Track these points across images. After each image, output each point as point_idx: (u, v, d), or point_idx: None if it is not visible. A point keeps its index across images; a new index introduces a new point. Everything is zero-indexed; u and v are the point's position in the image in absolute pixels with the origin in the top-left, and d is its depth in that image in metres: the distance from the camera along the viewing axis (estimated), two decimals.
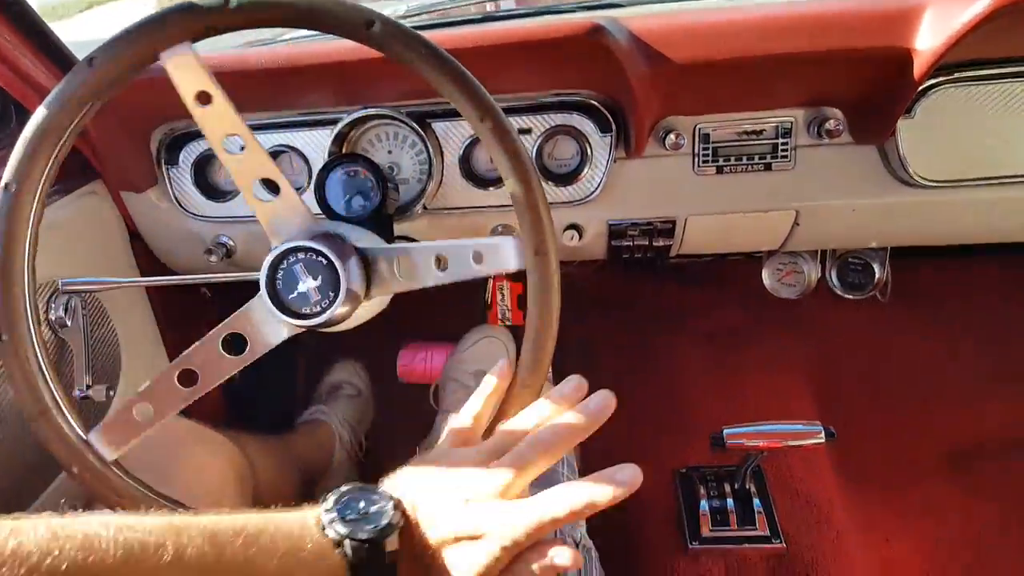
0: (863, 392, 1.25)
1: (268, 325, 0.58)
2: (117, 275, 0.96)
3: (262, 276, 0.57)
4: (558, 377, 1.20)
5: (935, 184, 0.81)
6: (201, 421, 0.79)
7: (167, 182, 0.91)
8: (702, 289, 1.43)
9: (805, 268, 1.08)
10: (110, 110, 0.84)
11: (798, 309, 1.26)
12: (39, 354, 0.55)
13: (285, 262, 0.57)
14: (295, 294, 0.57)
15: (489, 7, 1.07)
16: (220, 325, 0.58)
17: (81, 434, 0.55)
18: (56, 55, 0.80)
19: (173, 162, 0.90)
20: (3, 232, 0.53)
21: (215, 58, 0.78)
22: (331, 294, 0.56)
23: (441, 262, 0.56)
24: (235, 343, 0.58)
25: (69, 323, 0.85)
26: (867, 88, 0.76)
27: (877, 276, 1.07)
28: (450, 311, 1.29)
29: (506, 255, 0.53)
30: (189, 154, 0.90)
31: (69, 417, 0.55)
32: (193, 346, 0.57)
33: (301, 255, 0.57)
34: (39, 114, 0.53)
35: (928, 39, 0.70)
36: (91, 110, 0.54)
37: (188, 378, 0.56)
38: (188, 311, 1.12)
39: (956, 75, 0.76)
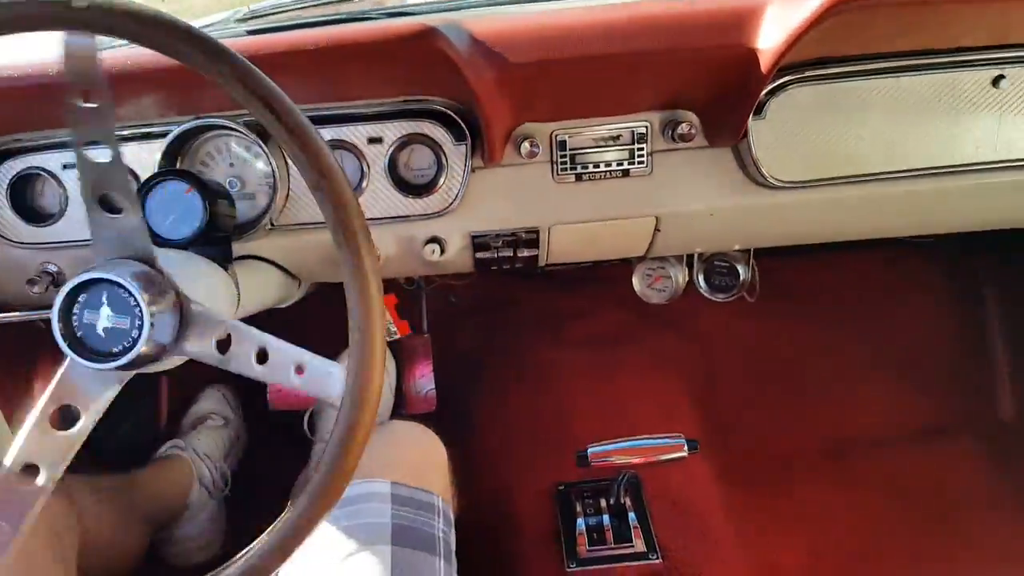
0: (741, 393, 1.25)
1: (89, 380, 0.51)
2: None
3: (53, 317, 0.50)
4: (441, 392, 1.16)
5: (789, 185, 0.80)
6: None
7: None
8: (579, 294, 1.41)
9: (673, 273, 1.07)
10: None
11: (674, 311, 1.25)
12: None
13: (79, 300, 0.51)
14: (98, 333, 0.50)
15: (346, 8, 1.00)
16: (40, 401, 0.50)
17: None
18: None
19: None
20: None
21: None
22: (135, 330, 0.50)
23: (262, 356, 0.50)
24: (66, 414, 0.50)
25: None
26: (715, 89, 0.75)
27: (742, 277, 1.08)
28: (327, 327, 1.21)
29: (329, 384, 0.49)
30: (5, 174, 0.80)
31: None
32: (19, 435, 0.49)
33: (95, 289, 0.50)
34: None
35: (769, 38, 0.69)
36: None
37: (30, 473, 0.49)
38: (21, 348, 1.00)
39: (806, 73, 0.76)
